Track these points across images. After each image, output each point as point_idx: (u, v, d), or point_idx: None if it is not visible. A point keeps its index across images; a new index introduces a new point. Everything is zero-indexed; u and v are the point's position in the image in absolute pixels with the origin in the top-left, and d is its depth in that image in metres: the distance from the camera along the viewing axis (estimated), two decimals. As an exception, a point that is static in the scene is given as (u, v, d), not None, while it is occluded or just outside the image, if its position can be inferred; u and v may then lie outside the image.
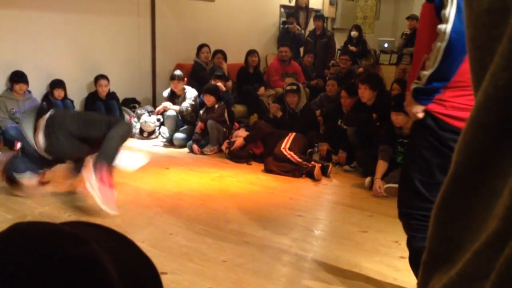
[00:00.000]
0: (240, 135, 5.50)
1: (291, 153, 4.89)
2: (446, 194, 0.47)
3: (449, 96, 1.90)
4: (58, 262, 0.42)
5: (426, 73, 1.87)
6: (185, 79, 6.14)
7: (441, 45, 1.77)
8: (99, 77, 6.25)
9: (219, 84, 6.15)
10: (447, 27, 1.74)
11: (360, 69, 7.75)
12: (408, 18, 8.44)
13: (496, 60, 0.43)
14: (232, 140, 5.48)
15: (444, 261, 0.47)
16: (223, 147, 5.56)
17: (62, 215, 3.52)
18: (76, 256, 0.43)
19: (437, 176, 1.96)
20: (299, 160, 4.84)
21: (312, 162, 4.85)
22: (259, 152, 5.33)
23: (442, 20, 1.76)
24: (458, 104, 1.89)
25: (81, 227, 0.53)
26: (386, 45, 9.36)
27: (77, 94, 6.29)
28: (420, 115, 1.97)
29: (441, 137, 1.92)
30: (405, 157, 2.19)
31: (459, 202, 0.46)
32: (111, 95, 6.38)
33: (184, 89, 6.11)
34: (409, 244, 2.10)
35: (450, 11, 1.73)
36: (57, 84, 5.96)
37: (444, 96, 1.91)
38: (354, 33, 8.64)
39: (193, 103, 6.04)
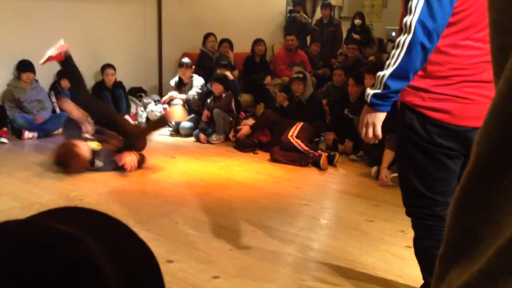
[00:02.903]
0: (248, 124, 5.51)
1: (298, 141, 4.88)
2: (466, 185, 0.46)
3: (430, 84, 1.78)
4: (50, 264, 0.40)
5: (384, 72, 1.70)
6: (193, 66, 6.15)
7: (406, 38, 1.64)
8: (106, 66, 6.25)
9: (227, 73, 6.14)
10: (412, 19, 1.62)
11: (371, 58, 7.70)
12: (416, 6, 8.33)
13: None
14: (239, 128, 5.49)
15: (462, 255, 0.46)
16: (230, 135, 5.57)
17: (69, 203, 3.54)
18: (68, 258, 0.41)
19: (431, 172, 1.88)
20: (306, 148, 4.83)
21: (319, 151, 4.84)
22: (266, 140, 5.34)
23: (407, 12, 1.65)
24: (439, 95, 1.78)
25: (75, 214, 0.52)
26: (393, 33, 9.27)
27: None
28: (379, 130, 1.81)
29: (424, 134, 1.82)
30: (397, 156, 2.12)
31: (479, 194, 0.45)
32: (118, 85, 6.38)
33: (191, 77, 6.12)
34: (414, 241, 2.08)
35: (417, 3, 1.62)
36: (64, 74, 5.96)
37: (423, 84, 1.78)
38: (357, 21, 8.57)
39: (200, 91, 6.05)
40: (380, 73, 1.72)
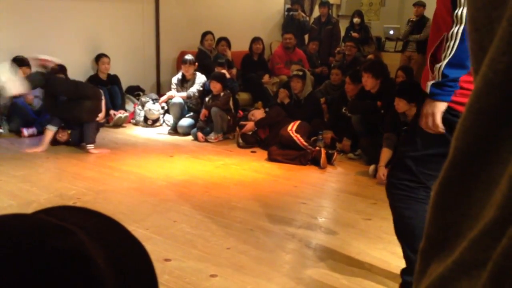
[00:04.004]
0: (256, 115, 5.54)
1: (298, 135, 4.88)
2: (445, 180, 0.47)
3: (462, 80, 1.86)
4: (42, 255, 0.41)
5: (441, 63, 1.83)
6: (196, 63, 6.16)
7: (458, 29, 1.77)
8: (101, 55, 6.29)
9: (224, 71, 6.15)
10: (463, 11, 1.74)
11: (370, 56, 7.71)
12: (415, 4, 8.35)
13: (496, 44, 0.42)
14: (244, 123, 5.52)
15: (442, 249, 0.47)
16: (236, 130, 5.62)
17: (67, 202, 3.54)
18: (60, 248, 0.41)
19: (430, 151, 1.99)
20: (305, 143, 4.83)
21: (317, 148, 4.85)
22: (264, 136, 5.37)
23: (456, 5, 1.77)
24: (470, 91, 1.86)
25: (68, 212, 0.52)
26: (391, 32, 9.29)
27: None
28: (438, 119, 1.88)
29: (447, 122, 1.90)
30: (408, 136, 2.23)
31: (457, 189, 0.46)
32: (113, 79, 6.40)
33: (194, 74, 6.14)
34: (394, 217, 2.18)
35: None
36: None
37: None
38: (356, 20, 8.58)
39: (200, 88, 6.07)
40: (438, 65, 1.84)
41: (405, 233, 2.16)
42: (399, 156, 2.16)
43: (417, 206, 2.08)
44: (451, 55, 1.80)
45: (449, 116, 1.91)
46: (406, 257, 2.21)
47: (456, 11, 1.78)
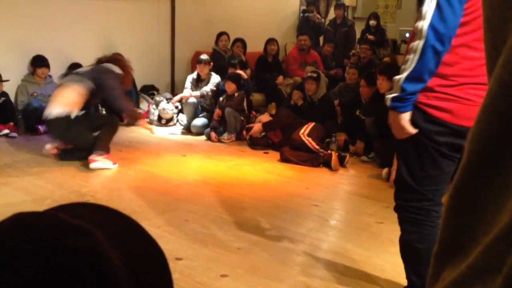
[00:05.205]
0: (262, 120, 5.52)
1: (309, 139, 4.87)
2: (459, 184, 0.47)
3: (435, 84, 1.81)
4: (59, 254, 0.41)
5: (400, 76, 1.78)
6: (211, 63, 6.17)
7: (419, 43, 1.70)
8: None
9: (241, 72, 6.15)
10: (424, 24, 1.68)
11: (386, 59, 7.67)
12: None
13: (510, 45, 0.42)
14: (250, 126, 5.50)
15: (456, 253, 0.46)
16: (244, 133, 5.59)
17: (80, 199, 3.57)
18: (78, 249, 0.42)
19: (425, 168, 1.92)
20: (316, 147, 4.82)
21: (329, 150, 4.83)
22: (277, 140, 5.34)
23: (419, 17, 1.70)
24: (443, 94, 1.81)
25: (86, 209, 0.53)
26: (407, 34, 9.22)
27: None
28: (408, 127, 1.86)
29: (424, 130, 1.86)
30: (396, 150, 2.17)
31: (472, 193, 0.45)
32: None
33: (209, 74, 6.15)
34: (399, 239, 2.10)
35: (428, 8, 1.67)
36: (75, 68, 6.01)
37: (430, 83, 1.81)
38: (372, 22, 8.53)
39: (214, 88, 6.08)
40: (397, 77, 1.81)
41: (409, 256, 2.08)
42: (398, 175, 2.05)
43: (425, 231, 1.97)
44: (410, 69, 1.75)
45: (421, 119, 1.85)
46: (408, 278, 2.12)
47: (417, 23, 1.71)
